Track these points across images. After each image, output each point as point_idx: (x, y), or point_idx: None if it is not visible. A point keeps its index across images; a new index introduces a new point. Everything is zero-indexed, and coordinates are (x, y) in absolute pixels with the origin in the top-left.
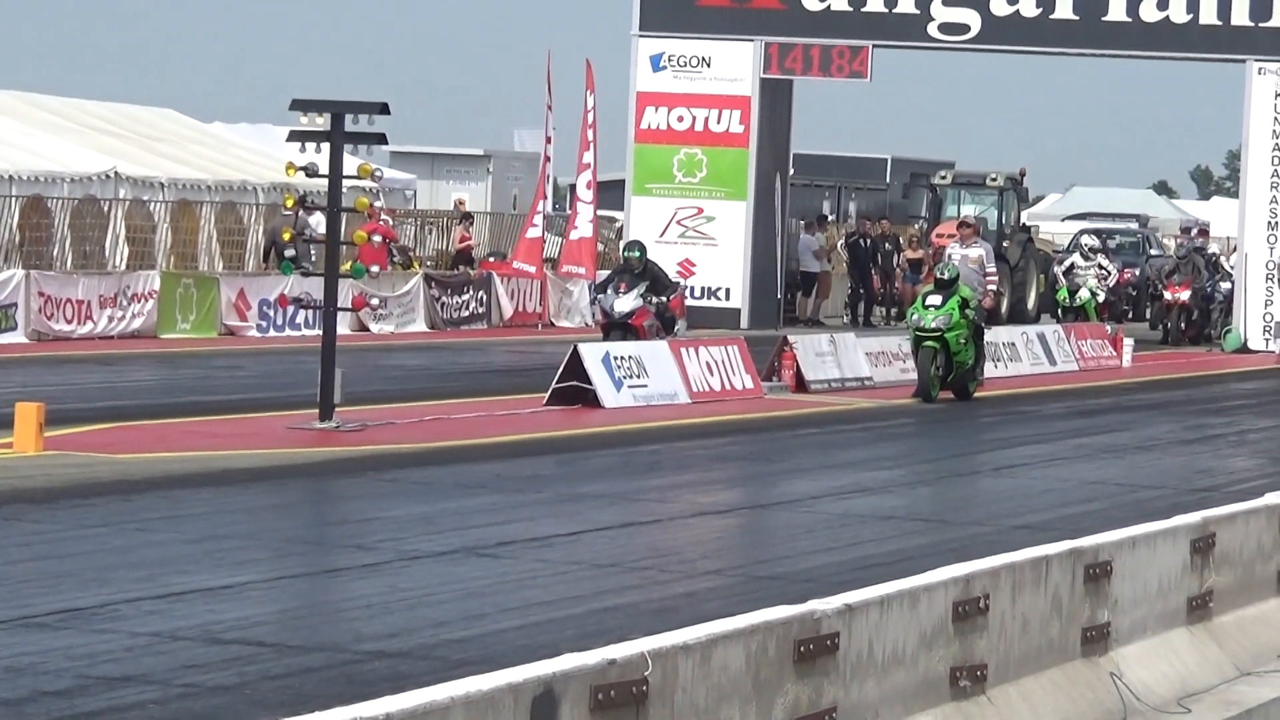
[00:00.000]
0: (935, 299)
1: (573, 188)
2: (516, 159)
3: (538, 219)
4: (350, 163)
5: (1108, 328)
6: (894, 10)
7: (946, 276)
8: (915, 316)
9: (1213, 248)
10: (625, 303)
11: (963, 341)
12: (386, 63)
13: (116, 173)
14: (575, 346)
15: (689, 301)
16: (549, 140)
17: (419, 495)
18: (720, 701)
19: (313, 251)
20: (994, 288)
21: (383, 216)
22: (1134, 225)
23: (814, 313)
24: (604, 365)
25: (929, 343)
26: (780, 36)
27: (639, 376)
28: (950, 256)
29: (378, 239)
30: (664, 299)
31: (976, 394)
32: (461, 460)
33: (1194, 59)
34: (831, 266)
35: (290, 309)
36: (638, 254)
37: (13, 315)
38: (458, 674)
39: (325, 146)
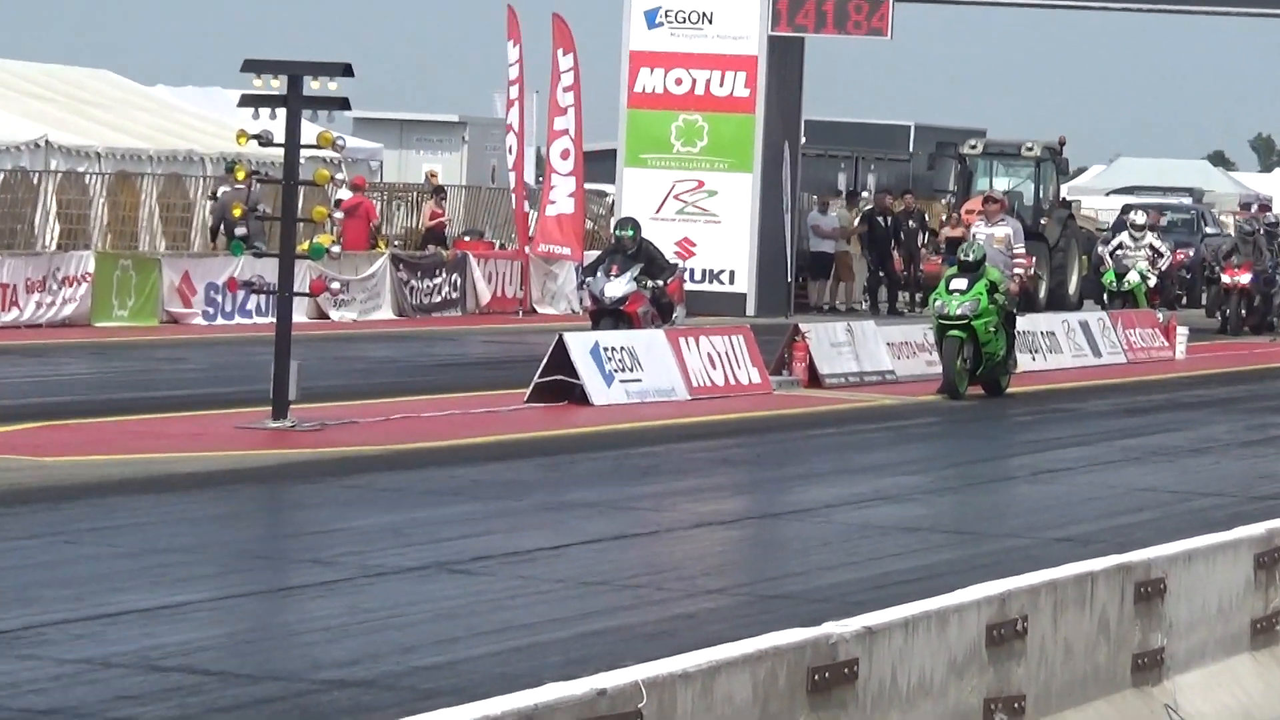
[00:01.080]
0: (960, 283)
1: (547, 158)
2: (495, 126)
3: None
4: (309, 130)
5: (1159, 315)
6: None
7: (972, 258)
8: (938, 303)
9: None
10: (617, 287)
11: (992, 330)
12: (350, 19)
13: (47, 141)
14: (560, 336)
15: (688, 286)
16: (512, 103)
17: (385, 503)
18: None
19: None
20: (1021, 270)
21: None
22: (1188, 200)
23: (831, 298)
24: (593, 357)
25: (954, 332)
26: None
27: (632, 370)
28: (975, 235)
29: (339, 215)
30: (660, 283)
31: (1009, 389)
32: (433, 464)
33: (1254, 14)
34: (850, 246)
35: (241, 294)
36: (631, 232)
37: None
38: (428, 706)
39: (281, 112)
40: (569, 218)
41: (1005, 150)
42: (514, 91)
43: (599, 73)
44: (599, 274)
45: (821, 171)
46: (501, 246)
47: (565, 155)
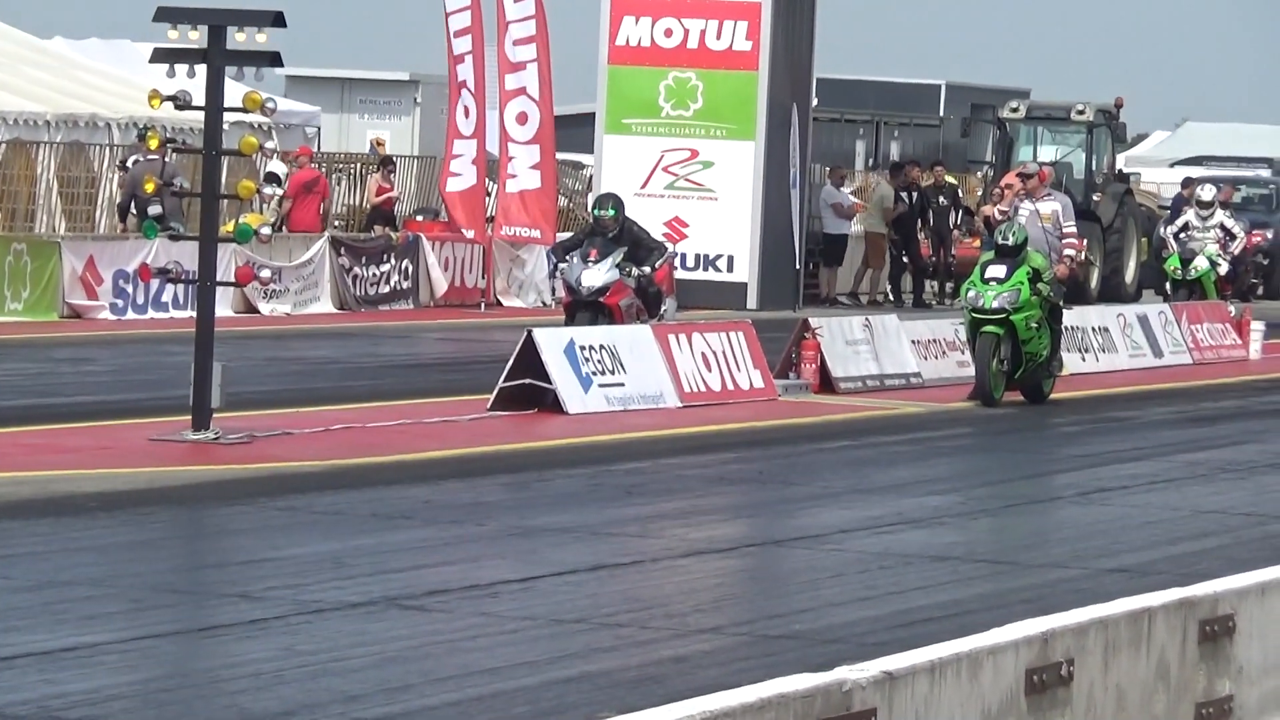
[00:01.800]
0: (998, 270)
1: (501, 123)
2: None
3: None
4: (234, 91)
5: (1231, 308)
6: None
7: (1012, 241)
8: (972, 293)
9: None
10: (596, 275)
11: (1034, 326)
12: None
13: None
14: (529, 333)
15: (680, 274)
16: (461, 58)
17: (324, 529)
18: None
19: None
20: (1072, 253)
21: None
22: (1266, 172)
23: (855, 286)
24: (567, 358)
25: (990, 328)
26: None
27: (614, 372)
28: (1017, 213)
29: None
30: (647, 270)
31: (1053, 395)
32: (380, 483)
33: None
34: (887, 229)
35: (155, 283)
36: (612, 212)
37: None
38: None
39: (201, 69)
40: (535, 194)
41: (1052, 114)
42: (464, 43)
43: (574, 22)
44: (575, 259)
45: (836, 139)
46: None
47: (523, 120)
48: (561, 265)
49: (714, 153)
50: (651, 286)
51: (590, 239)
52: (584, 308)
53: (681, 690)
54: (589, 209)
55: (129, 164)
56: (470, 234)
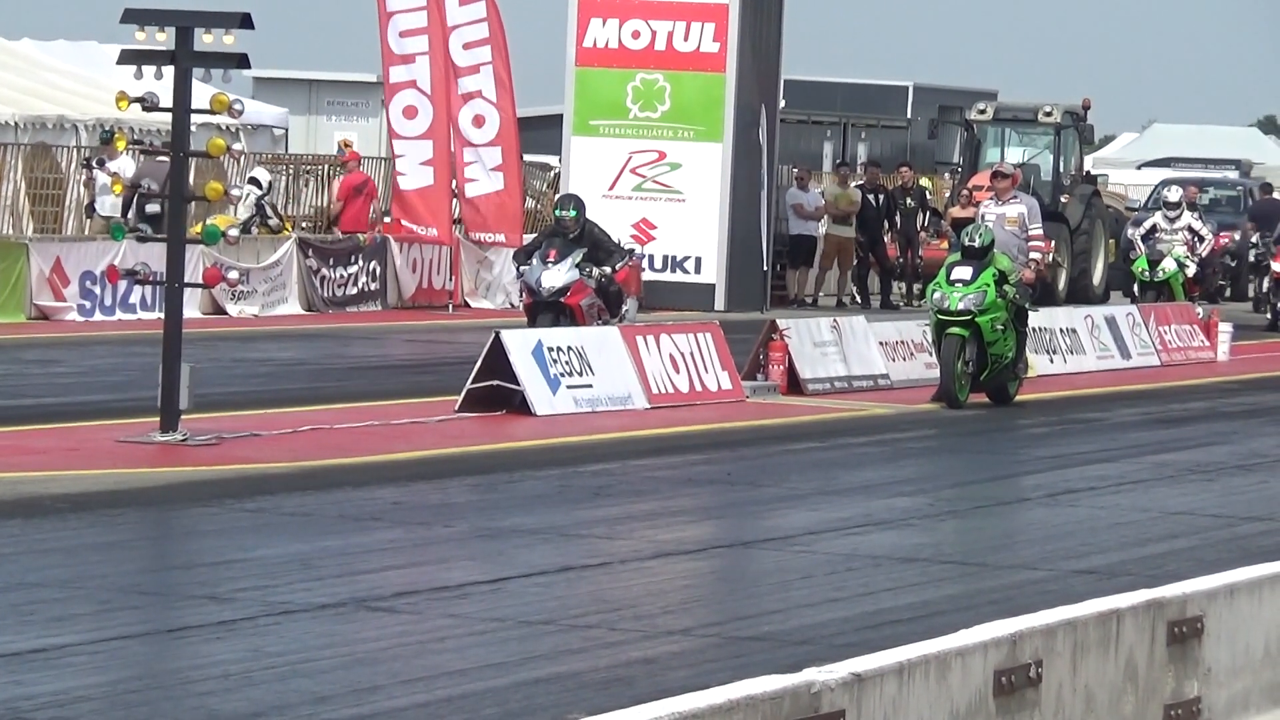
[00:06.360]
0: (963, 272)
1: (456, 127)
2: None
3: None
4: (202, 92)
5: (1198, 310)
6: None
7: (978, 242)
8: (938, 295)
9: None
10: (556, 275)
11: (999, 328)
12: None
13: None
14: (497, 334)
15: (647, 275)
16: (409, 59)
17: (292, 530)
18: None
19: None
20: (1039, 255)
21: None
22: (1233, 174)
23: (816, 289)
24: (535, 359)
25: (955, 329)
26: None
27: (581, 374)
28: (983, 216)
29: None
30: (608, 270)
31: (1021, 396)
32: (348, 484)
33: None
34: (854, 229)
35: (122, 285)
36: (573, 213)
37: None
38: None
39: (168, 71)
40: (498, 196)
41: (1019, 115)
42: (417, 43)
43: (541, 24)
44: (535, 260)
45: (804, 140)
46: (427, 229)
47: (479, 123)
48: (523, 269)
49: (682, 154)
50: (612, 286)
51: (550, 240)
52: (545, 309)
53: (650, 692)
54: (552, 210)
55: (94, 164)
56: (433, 232)
